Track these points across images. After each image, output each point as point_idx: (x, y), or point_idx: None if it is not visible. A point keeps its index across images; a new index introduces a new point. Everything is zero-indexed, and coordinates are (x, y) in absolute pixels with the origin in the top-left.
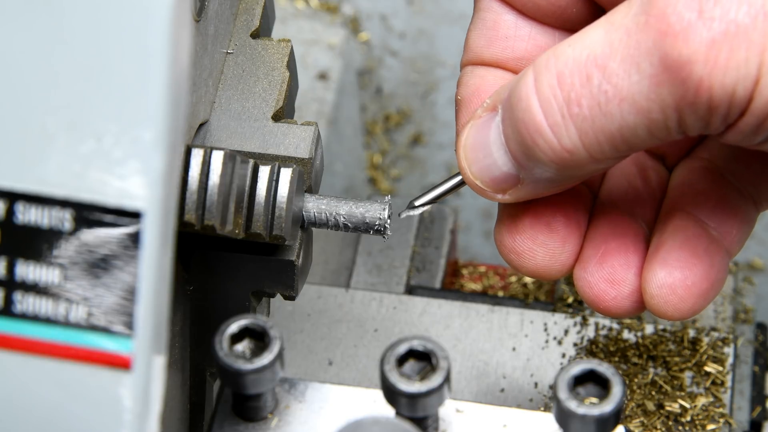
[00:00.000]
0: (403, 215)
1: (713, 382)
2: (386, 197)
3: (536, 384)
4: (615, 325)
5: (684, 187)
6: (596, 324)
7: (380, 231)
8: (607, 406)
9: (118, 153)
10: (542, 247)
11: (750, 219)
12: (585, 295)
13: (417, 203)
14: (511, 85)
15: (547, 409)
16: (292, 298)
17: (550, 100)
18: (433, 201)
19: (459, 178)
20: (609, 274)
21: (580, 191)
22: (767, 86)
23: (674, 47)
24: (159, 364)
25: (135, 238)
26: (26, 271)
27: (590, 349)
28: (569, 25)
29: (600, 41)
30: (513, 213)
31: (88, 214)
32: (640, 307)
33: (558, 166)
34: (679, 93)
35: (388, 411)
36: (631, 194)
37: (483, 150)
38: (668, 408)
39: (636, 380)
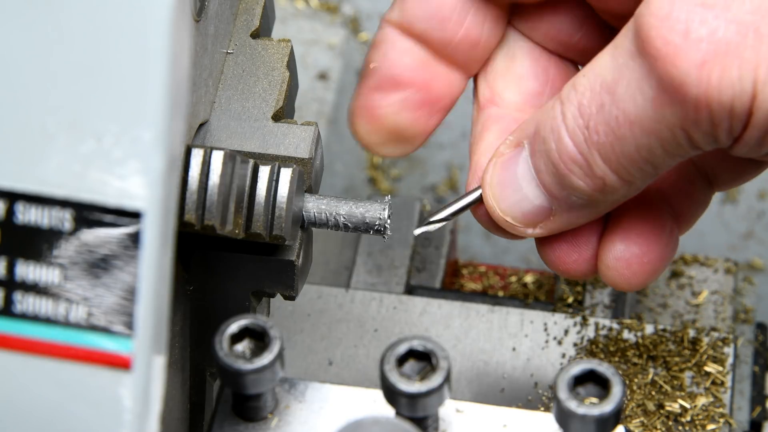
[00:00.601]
0: (418, 232)
1: (713, 382)
2: (386, 197)
3: (536, 384)
4: (615, 325)
5: None
6: (596, 324)
7: (380, 231)
8: (607, 406)
9: (118, 153)
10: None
11: (705, 200)
12: (546, 257)
13: (432, 219)
14: (537, 121)
15: (547, 409)
16: (292, 298)
17: (576, 131)
18: (448, 218)
19: (475, 195)
20: (571, 238)
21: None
22: (764, 101)
23: (665, 71)
24: (159, 364)
25: (135, 238)
26: (26, 271)
27: (590, 349)
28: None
29: (608, 67)
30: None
31: (88, 214)
32: (596, 272)
33: (595, 193)
34: (681, 113)
35: (388, 411)
36: None
37: (512, 186)
38: (668, 408)
39: (636, 380)
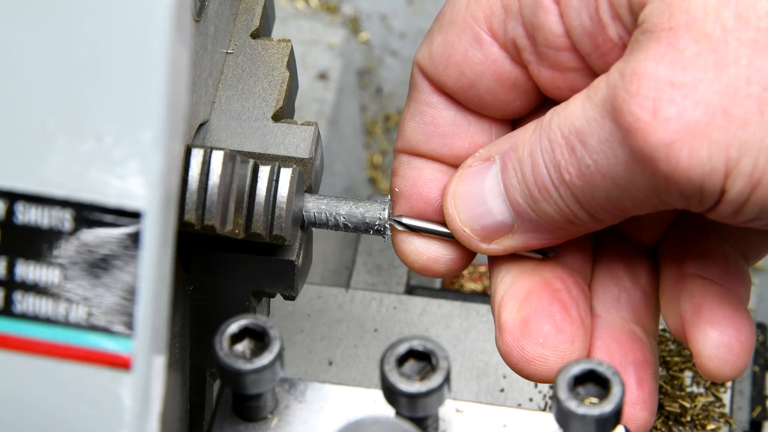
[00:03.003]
0: (388, 224)
1: (713, 382)
2: (386, 197)
3: (536, 384)
4: None
5: (682, 250)
6: None
7: (380, 231)
8: (607, 406)
9: (118, 153)
10: (552, 351)
11: (748, 274)
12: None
13: (404, 221)
14: (515, 139)
15: (547, 409)
16: (292, 298)
17: (548, 164)
18: (419, 230)
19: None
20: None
21: (569, 285)
22: (737, 178)
23: (636, 143)
24: (159, 364)
25: (135, 238)
26: (26, 271)
27: None
28: (511, 117)
29: (579, 115)
30: (513, 318)
31: (88, 214)
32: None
33: (563, 222)
34: (652, 182)
35: (388, 411)
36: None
37: (476, 198)
38: (668, 408)
39: None
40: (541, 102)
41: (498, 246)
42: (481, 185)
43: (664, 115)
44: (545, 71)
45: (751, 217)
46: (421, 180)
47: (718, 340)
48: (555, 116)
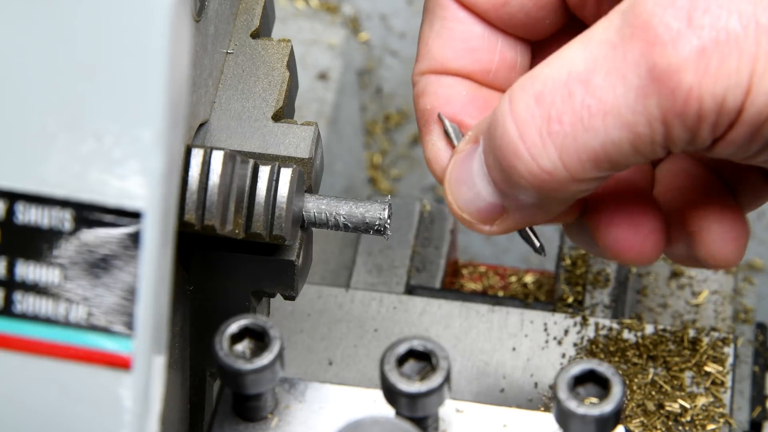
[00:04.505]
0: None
1: (713, 382)
2: (386, 197)
3: (536, 384)
4: (615, 325)
5: (683, 178)
6: (596, 324)
7: (380, 231)
8: (607, 406)
9: (118, 153)
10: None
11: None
12: (603, 242)
13: (540, 248)
14: (491, 116)
15: (547, 409)
16: (292, 298)
17: (527, 121)
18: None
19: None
20: (630, 216)
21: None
22: (759, 95)
23: (663, 56)
24: (159, 364)
25: (135, 238)
26: (26, 271)
27: (590, 349)
28: (540, 37)
29: (581, 58)
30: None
31: (88, 214)
32: (659, 251)
33: (538, 189)
34: (668, 104)
35: (388, 411)
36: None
37: (467, 182)
38: (668, 408)
39: (636, 380)
40: (566, 23)
41: (499, 227)
42: (470, 168)
43: (698, 22)
44: None
45: (759, 148)
46: (453, 95)
47: (719, 227)
48: (544, 69)
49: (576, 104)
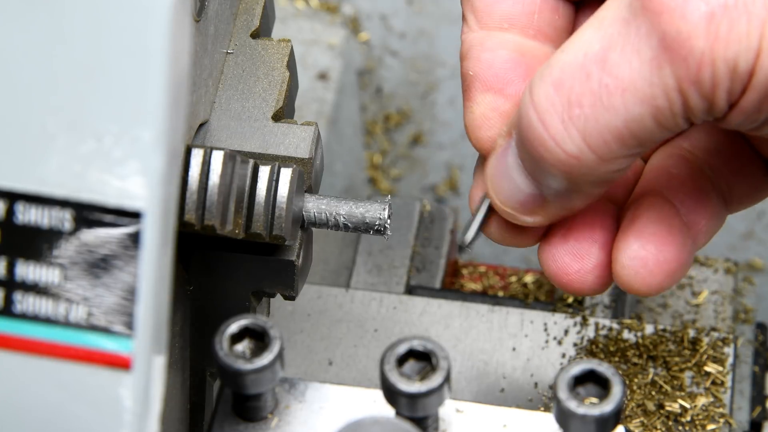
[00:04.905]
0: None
1: (713, 382)
2: (386, 197)
3: (536, 384)
4: (615, 325)
5: (660, 171)
6: (596, 324)
7: (380, 231)
8: (607, 406)
9: (118, 153)
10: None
11: (720, 216)
12: (548, 269)
13: (467, 242)
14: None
15: (547, 409)
16: (292, 298)
17: (548, 110)
18: (478, 234)
19: (488, 202)
20: (573, 247)
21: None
22: None
23: (672, 24)
24: (159, 364)
25: (135, 238)
26: (26, 271)
27: (590, 349)
28: None
29: (596, 38)
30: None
31: (88, 214)
32: (604, 283)
33: (568, 175)
34: (681, 72)
35: (388, 411)
36: None
37: (505, 176)
38: (668, 408)
39: (636, 380)
40: None
41: (543, 218)
42: (506, 162)
43: None
44: None
45: (766, 117)
46: (496, 62)
47: (634, 253)
48: (560, 55)
49: (594, 85)
